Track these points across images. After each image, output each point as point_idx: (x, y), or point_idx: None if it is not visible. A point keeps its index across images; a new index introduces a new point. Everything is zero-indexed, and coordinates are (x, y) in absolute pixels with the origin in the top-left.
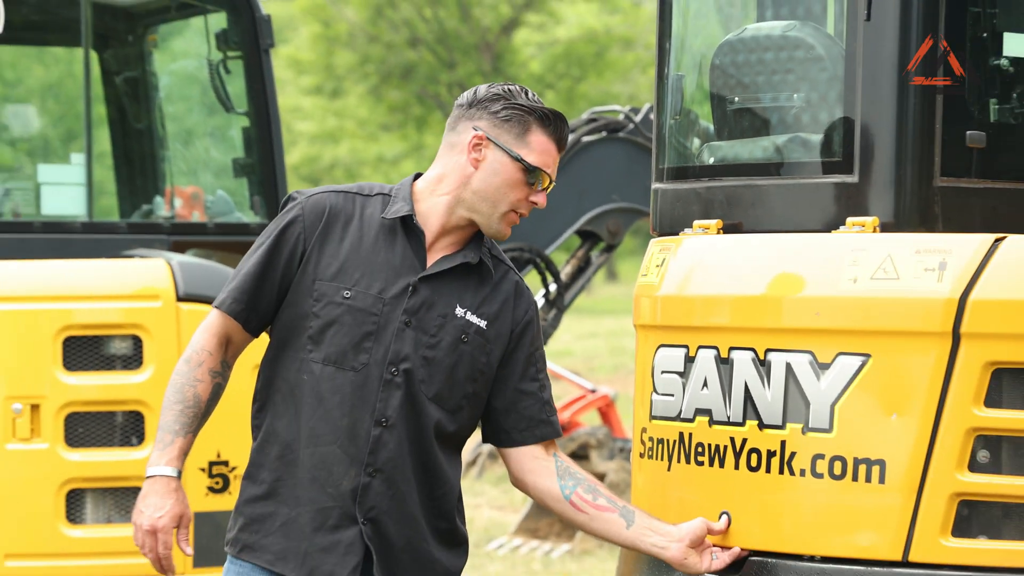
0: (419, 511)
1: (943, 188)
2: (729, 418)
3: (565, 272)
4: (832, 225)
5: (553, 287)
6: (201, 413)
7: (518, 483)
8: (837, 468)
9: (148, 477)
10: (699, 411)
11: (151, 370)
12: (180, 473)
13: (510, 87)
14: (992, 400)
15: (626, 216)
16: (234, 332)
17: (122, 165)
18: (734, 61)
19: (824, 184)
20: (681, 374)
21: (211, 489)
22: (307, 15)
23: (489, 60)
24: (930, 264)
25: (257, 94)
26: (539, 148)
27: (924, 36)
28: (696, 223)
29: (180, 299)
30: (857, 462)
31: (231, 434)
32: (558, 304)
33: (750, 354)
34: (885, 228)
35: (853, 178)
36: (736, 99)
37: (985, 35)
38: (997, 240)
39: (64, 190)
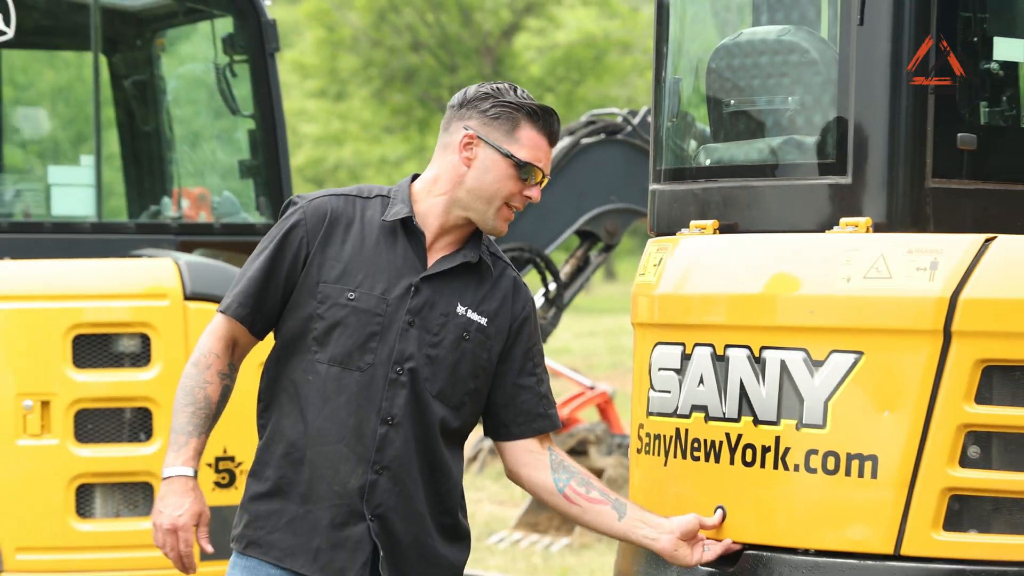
0: (425, 507)
1: (935, 189)
2: (725, 414)
3: (564, 271)
4: (826, 225)
5: (553, 286)
6: (212, 414)
7: (512, 476)
8: (830, 463)
9: (165, 479)
10: (695, 407)
11: (159, 367)
12: (196, 473)
13: (499, 85)
14: (983, 397)
15: (624, 217)
16: (240, 335)
17: (130, 167)
18: (730, 65)
19: (818, 185)
20: (678, 371)
21: (217, 484)
22: (312, 20)
23: (490, 64)
24: (922, 264)
25: (263, 97)
26: (529, 144)
27: (916, 40)
28: (693, 223)
29: (187, 298)
30: (850, 457)
31: (237, 430)
32: (557, 303)
33: (745, 351)
34: (878, 228)
35: (847, 179)
36: (732, 102)
37: (975, 39)
38: (987, 240)
39: (74, 191)
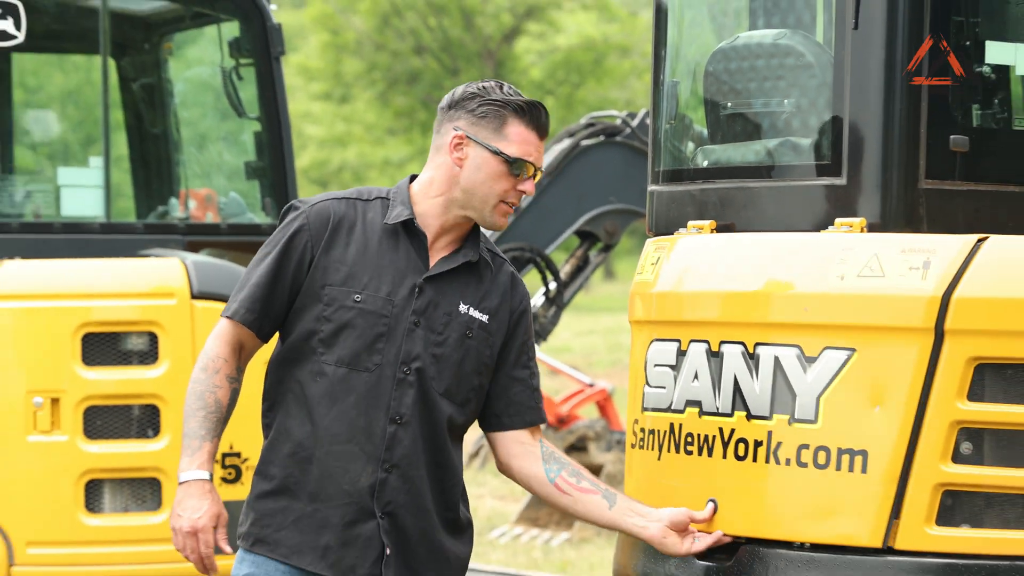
0: (432, 503)
1: (928, 190)
2: (718, 409)
3: (564, 271)
4: (821, 226)
5: (553, 285)
6: (223, 418)
7: (504, 468)
8: (821, 458)
9: (182, 483)
10: (689, 402)
11: (166, 365)
12: (212, 476)
13: (485, 84)
14: (975, 394)
15: (623, 217)
16: (247, 339)
17: (139, 168)
18: (727, 68)
19: (814, 186)
20: (673, 367)
21: (224, 480)
22: (317, 24)
23: (491, 67)
24: (915, 263)
25: (268, 100)
26: (518, 139)
27: (910, 44)
28: (690, 224)
29: (194, 297)
30: (840, 452)
31: (243, 426)
32: (558, 302)
33: (740, 348)
34: (872, 229)
35: (841, 180)
36: (729, 104)
37: (967, 43)
38: (980, 240)
39: (83, 192)
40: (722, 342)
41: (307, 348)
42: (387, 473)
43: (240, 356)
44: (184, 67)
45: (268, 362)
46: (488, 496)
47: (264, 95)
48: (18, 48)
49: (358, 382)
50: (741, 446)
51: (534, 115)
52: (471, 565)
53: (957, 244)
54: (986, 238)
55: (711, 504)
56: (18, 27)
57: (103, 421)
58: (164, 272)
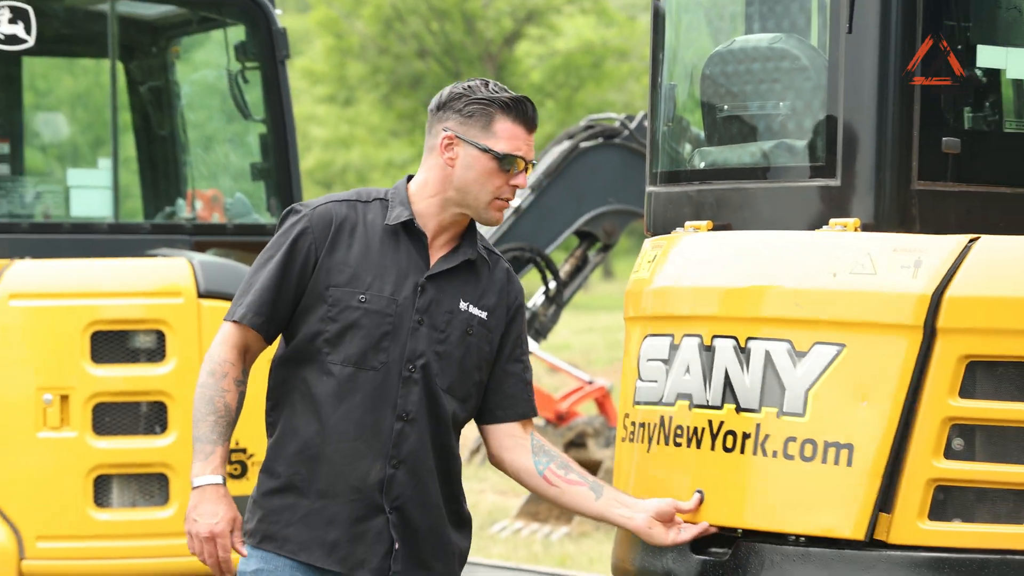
0: (438, 497)
1: (920, 191)
2: (708, 402)
3: (564, 270)
4: (816, 227)
5: (552, 284)
6: (232, 421)
7: (495, 460)
8: (808, 451)
9: (196, 488)
10: (680, 395)
11: (174, 363)
12: (225, 480)
13: (471, 83)
14: (966, 391)
15: (622, 217)
16: (253, 342)
17: (146, 169)
18: (724, 71)
19: (808, 187)
20: (665, 361)
21: (230, 475)
22: (321, 28)
23: (492, 70)
24: (906, 262)
25: (273, 102)
26: (506, 135)
27: (904, 48)
28: (688, 224)
29: (201, 296)
30: (827, 445)
31: (249, 423)
32: (557, 300)
33: (732, 342)
34: (866, 229)
35: (836, 182)
36: (725, 107)
37: (960, 47)
38: (971, 240)
39: (92, 193)
40: (715, 336)
41: (312, 348)
42: (395, 469)
43: (245, 359)
44: (191, 70)
45: (271, 362)
46: (489, 491)
47: (269, 98)
48: (28, 52)
49: (365, 381)
50: (729, 438)
51: (520, 110)
52: (472, 559)
53: (949, 244)
54: (977, 238)
55: (697, 495)
56: (28, 31)
57: (111, 418)
58: (171, 272)
